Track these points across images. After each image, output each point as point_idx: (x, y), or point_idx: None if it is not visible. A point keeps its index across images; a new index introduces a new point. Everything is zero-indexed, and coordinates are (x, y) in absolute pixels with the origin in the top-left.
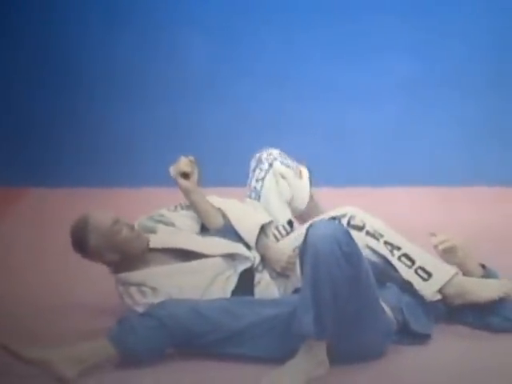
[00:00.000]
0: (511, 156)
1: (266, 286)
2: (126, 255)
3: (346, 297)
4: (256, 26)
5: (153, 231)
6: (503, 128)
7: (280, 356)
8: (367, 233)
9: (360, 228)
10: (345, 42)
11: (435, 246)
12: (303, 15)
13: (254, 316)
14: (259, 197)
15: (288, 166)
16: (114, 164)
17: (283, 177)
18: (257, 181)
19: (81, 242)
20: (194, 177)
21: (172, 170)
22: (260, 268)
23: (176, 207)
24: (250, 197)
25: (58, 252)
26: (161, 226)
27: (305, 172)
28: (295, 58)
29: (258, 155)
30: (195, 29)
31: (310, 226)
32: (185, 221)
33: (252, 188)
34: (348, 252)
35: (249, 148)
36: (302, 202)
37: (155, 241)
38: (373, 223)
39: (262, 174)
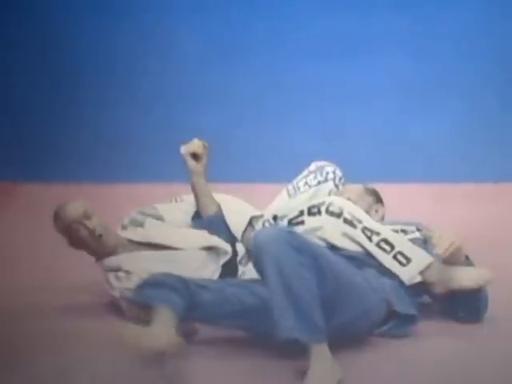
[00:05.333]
0: (503, 153)
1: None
2: (88, 247)
3: (316, 286)
4: (253, 23)
5: (141, 225)
6: (495, 126)
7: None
8: (345, 220)
9: (337, 215)
10: (339, 41)
11: (440, 256)
12: (301, 13)
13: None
14: (295, 196)
15: (339, 189)
16: (110, 160)
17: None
18: (305, 184)
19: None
20: (203, 161)
21: (183, 149)
22: (243, 261)
23: (171, 200)
24: (288, 190)
25: (52, 246)
26: (149, 220)
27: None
28: (291, 57)
29: (322, 163)
30: (192, 24)
31: (254, 237)
32: (174, 213)
33: (296, 186)
34: (299, 246)
35: (245, 145)
36: None
37: (138, 234)
38: (351, 210)
39: (314, 182)
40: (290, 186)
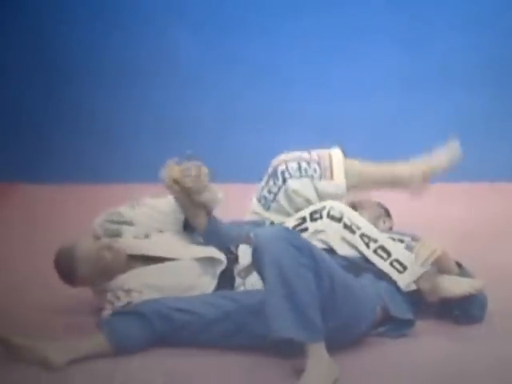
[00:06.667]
0: (499, 153)
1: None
2: (111, 273)
3: (315, 287)
4: (245, 19)
5: (118, 234)
6: (493, 125)
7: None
8: (344, 225)
9: (338, 219)
10: (335, 35)
11: (421, 265)
12: (293, 8)
13: (232, 304)
14: (269, 207)
15: (303, 176)
16: (103, 160)
17: (297, 194)
18: (269, 192)
19: (69, 273)
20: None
21: (192, 183)
22: (243, 274)
23: (133, 205)
24: (259, 201)
25: (46, 247)
26: (125, 228)
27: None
28: (285, 52)
29: (275, 164)
30: (183, 23)
31: (255, 237)
32: (144, 220)
33: (262, 196)
34: (299, 245)
35: (239, 143)
36: (336, 190)
37: (126, 245)
38: (351, 216)
39: (275, 189)
40: (258, 195)
